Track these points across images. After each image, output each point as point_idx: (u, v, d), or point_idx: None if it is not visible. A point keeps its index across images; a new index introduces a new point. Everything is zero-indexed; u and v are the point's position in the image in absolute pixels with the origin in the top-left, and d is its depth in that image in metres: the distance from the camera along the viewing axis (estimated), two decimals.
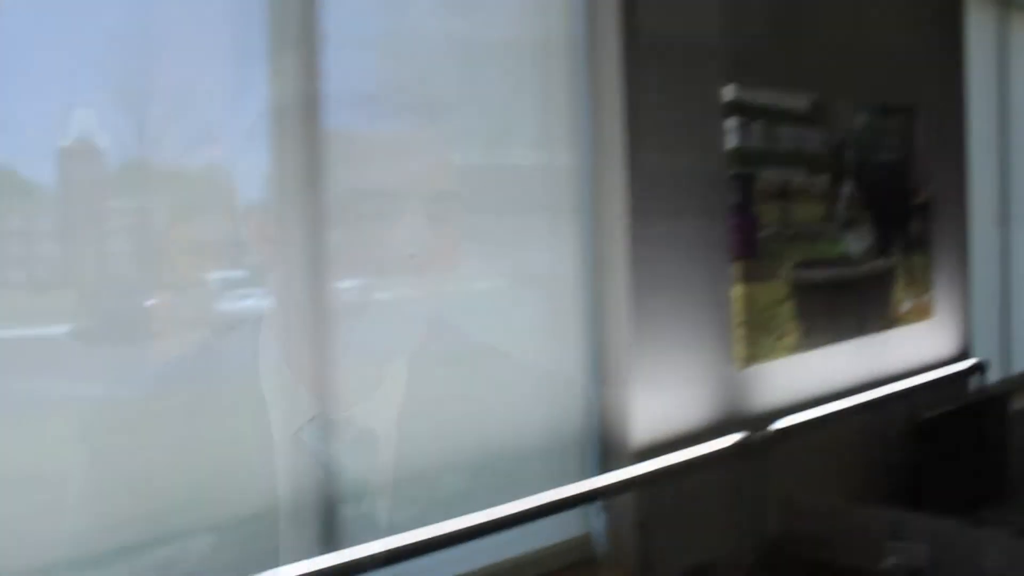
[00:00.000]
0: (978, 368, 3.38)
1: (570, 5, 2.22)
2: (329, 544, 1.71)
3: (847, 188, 2.81)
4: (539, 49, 2.18)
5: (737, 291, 2.45)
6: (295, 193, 1.72)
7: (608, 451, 2.26)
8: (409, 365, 1.76)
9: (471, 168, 2.06)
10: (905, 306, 3.08)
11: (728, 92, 2.43)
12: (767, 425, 2.51)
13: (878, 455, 2.95)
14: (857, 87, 2.89)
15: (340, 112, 1.76)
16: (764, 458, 2.48)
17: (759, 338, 2.50)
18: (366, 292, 1.82)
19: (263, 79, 1.70)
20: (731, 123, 2.43)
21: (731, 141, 2.43)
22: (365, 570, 1.67)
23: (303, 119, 1.72)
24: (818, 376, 2.74)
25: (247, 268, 1.75)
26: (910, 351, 3.13)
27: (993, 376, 3.87)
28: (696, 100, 2.36)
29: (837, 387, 2.82)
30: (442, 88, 2.01)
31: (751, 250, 2.48)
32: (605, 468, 2.23)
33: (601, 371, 2.25)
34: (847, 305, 2.81)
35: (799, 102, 2.64)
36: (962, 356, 3.42)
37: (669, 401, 2.29)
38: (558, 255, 2.22)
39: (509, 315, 2.15)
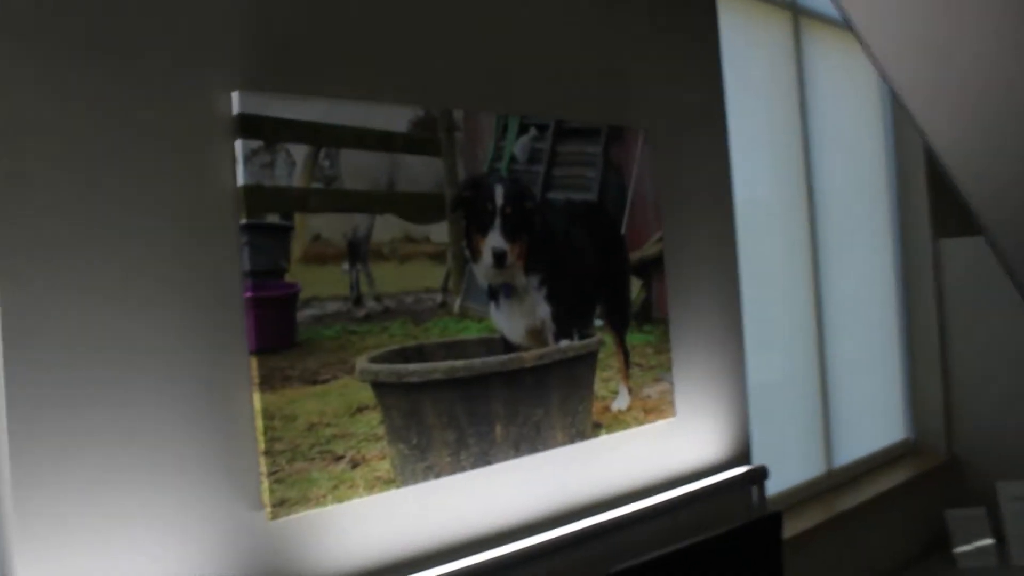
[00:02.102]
0: (753, 477, 2.51)
1: None
2: None
3: (495, 240, 1.99)
4: None
5: (260, 401, 1.60)
6: None
7: None
8: None
9: None
10: (621, 403, 2.22)
11: (236, 103, 1.62)
12: None
13: None
14: (517, 101, 2.09)
15: None
16: None
17: (309, 471, 1.65)
18: None
19: None
20: (245, 148, 1.62)
21: (243, 175, 1.62)
22: None
23: None
24: (450, 516, 1.88)
25: None
26: (632, 464, 2.26)
27: (789, 481, 3.02)
28: (159, 115, 1.53)
29: (498, 527, 1.95)
30: None
31: (284, 338, 1.64)
32: None
33: None
34: (503, 409, 1.96)
35: (393, 120, 1.83)
36: (738, 462, 2.56)
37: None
38: None
39: None
